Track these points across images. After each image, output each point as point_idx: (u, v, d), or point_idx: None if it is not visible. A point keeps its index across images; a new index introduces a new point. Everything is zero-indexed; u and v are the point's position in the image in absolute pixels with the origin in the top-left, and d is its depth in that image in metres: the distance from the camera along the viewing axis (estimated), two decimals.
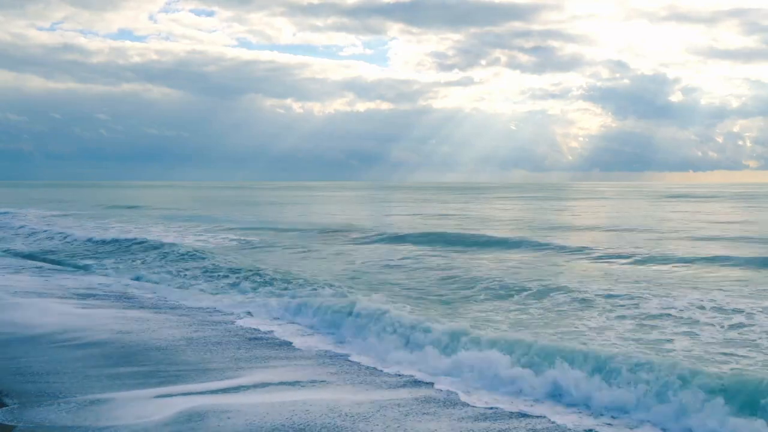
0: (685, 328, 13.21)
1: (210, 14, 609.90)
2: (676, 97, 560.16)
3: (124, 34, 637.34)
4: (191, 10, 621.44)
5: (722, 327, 13.18)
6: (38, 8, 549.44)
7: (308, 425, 8.35)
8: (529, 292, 17.21)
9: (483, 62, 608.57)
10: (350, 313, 14.04)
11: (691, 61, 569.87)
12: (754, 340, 12.19)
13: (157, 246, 28.67)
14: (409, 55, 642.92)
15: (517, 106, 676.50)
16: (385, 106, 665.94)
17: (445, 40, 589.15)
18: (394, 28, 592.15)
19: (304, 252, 28.06)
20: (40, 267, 24.26)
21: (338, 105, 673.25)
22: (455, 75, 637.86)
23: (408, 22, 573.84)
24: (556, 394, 9.72)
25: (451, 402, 9.50)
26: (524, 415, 9.01)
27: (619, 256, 24.39)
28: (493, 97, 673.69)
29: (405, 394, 9.79)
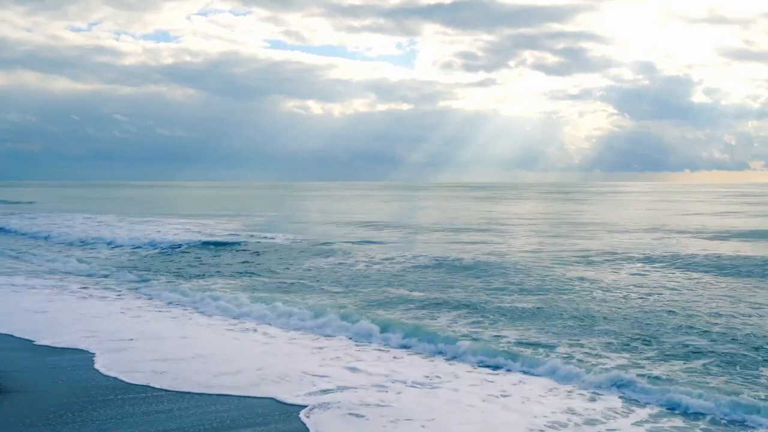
0: None
1: (246, 14, 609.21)
2: (694, 99, 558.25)
3: (159, 35, 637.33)
4: (230, 11, 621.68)
5: None
6: (77, 9, 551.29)
7: None
8: None
9: (511, 63, 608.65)
10: None
11: (719, 62, 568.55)
12: None
13: None
14: (437, 56, 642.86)
15: (534, 107, 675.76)
16: (404, 107, 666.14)
17: (478, 41, 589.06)
18: (430, 29, 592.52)
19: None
20: None
21: (358, 106, 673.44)
22: (479, 76, 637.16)
23: (445, 23, 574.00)
24: None
25: None
26: None
27: None
28: (512, 99, 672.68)
29: None
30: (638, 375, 10.43)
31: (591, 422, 8.71)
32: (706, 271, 20.84)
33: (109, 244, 31.38)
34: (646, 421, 8.76)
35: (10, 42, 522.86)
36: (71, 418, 8.64)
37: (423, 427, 8.53)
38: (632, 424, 8.68)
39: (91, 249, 30.24)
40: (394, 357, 11.88)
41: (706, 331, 13.12)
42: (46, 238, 35.11)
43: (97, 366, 11.05)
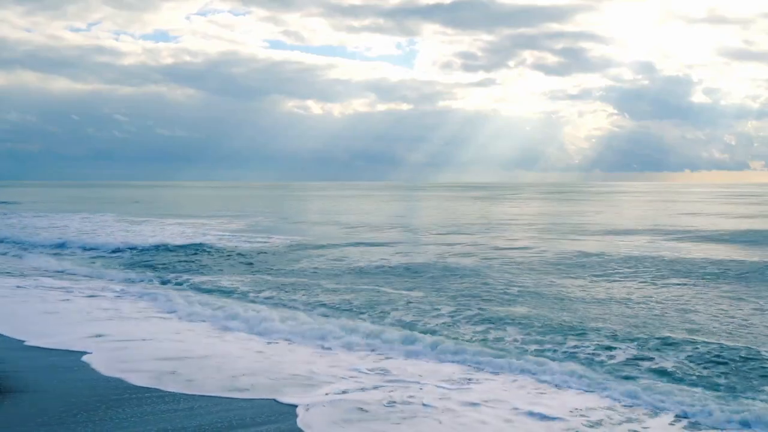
0: None
1: (245, 14, 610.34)
2: (694, 99, 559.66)
3: (159, 35, 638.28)
4: (229, 11, 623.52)
5: None
6: (76, 9, 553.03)
7: None
8: None
9: (510, 63, 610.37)
10: None
11: (718, 62, 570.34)
12: None
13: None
14: (437, 56, 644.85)
15: (534, 107, 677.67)
16: (404, 107, 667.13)
17: (477, 41, 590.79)
18: (430, 29, 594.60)
19: None
20: None
21: (358, 106, 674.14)
22: (478, 76, 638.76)
23: (444, 23, 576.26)
24: None
25: None
26: None
27: None
28: (512, 99, 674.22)
29: None
30: (664, 382, 10.44)
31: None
32: (700, 273, 21.00)
33: (110, 246, 31.26)
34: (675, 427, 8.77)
35: (10, 42, 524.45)
36: (87, 417, 8.72)
37: (440, 423, 8.68)
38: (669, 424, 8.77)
39: (89, 250, 30.30)
40: (405, 361, 11.91)
41: (709, 335, 13.33)
42: (21, 244, 33.94)
43: (102, 367, 11.10)
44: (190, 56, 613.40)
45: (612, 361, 11.58)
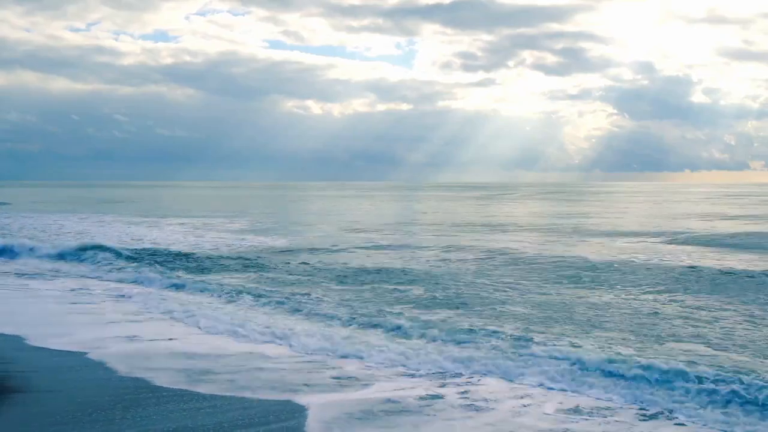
0: None
1: (244, 14, 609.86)
2: (693, 99, 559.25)
3: (158, 35, 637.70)
4: (228, 11, 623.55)
5: None
6: (76, 9, 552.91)
7: None
8: None
9: (510, 63, 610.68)
10: None
11: (718, 62, 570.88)
12: None
13: None
14: (437, 56, 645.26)
15: (533, 107, 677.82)
16: (404, 107, 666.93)
17: (477, 41, 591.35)
18: (429, 29, 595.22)
19: None
20: None
21: (357, 106, 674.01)
22: (478, 76, 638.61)
23: (444, 23, 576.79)
24: None
25: None
26: None
27: None
28: (511, 99, 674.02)
29: None
30: (670, 385, 10.32)
31: None
32: (701, 274, 21.02)
33: (106, 247, 31.12)
34: None
35: (10, 42, 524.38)
36: (104, 416, 8.76)
37: (451, 423, 8.74)
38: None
39: (90, 251, 30.20)
40: (417, 363, 11.87)
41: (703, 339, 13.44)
42: (23, 244, 33.45)
43: (115, 366, 11.15)
44: (190, 56, 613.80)
45: (615, 363, 11.48)
